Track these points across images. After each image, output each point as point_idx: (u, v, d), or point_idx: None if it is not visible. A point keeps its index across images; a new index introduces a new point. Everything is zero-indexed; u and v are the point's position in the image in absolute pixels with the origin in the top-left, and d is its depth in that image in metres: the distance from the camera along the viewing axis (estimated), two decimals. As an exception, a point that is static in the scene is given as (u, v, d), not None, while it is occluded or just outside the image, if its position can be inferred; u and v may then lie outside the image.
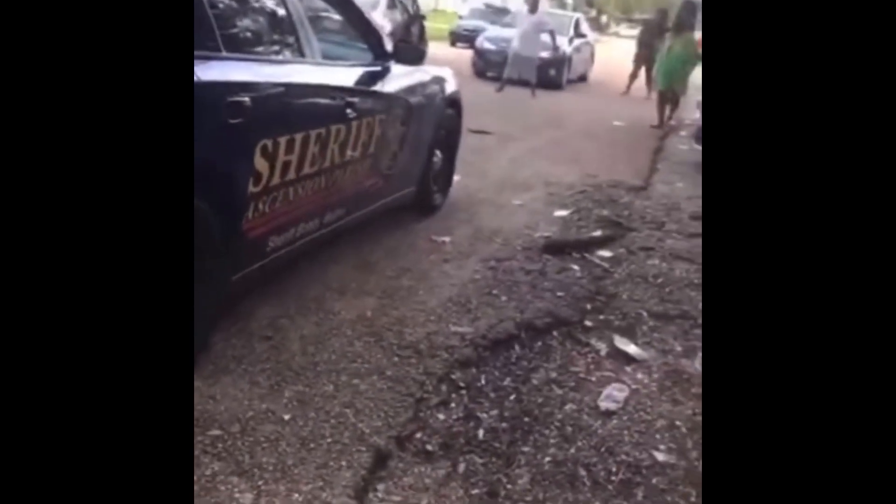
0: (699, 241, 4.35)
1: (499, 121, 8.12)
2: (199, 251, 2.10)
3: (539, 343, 2.94)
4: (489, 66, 12.07)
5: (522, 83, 11.19)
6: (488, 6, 22.00)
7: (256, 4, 2.86)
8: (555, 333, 3.03)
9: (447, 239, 4.03)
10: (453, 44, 19.21)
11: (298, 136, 2.70)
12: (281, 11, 2.87)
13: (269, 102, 2.52)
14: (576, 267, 3.78)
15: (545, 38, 10.99)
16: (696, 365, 2.84)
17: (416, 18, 14.15)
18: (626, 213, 4.90)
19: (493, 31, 13.31)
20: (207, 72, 2.23)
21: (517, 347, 2.87)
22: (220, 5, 2.51)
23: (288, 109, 2.71)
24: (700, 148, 7.10)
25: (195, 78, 2.08)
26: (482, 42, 12.69)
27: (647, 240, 4.31)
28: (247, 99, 2.34)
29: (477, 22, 18.53)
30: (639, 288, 3.57)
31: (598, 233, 4.34)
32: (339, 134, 3.01)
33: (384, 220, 3.99)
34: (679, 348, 2.98)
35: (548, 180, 5.72)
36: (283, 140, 2.60)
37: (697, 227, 4.66)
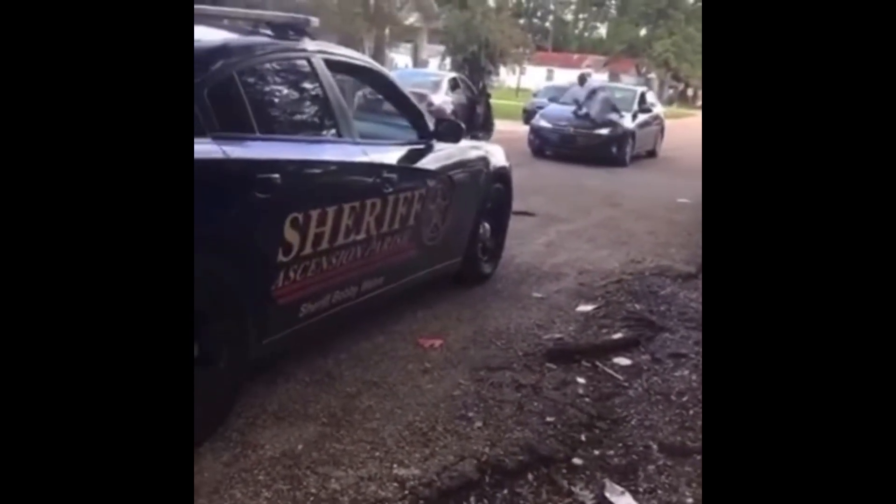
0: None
1: (548, 201, 7.59)
2: (226, 314, 2.39)
3: (504, 491, 2.30)
4: (546, 145, 11.59)
5: (583, 160, 10.71)
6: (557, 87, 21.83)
7: (293, 89, 3.06)
8: (529, 476, 2.39)
9: (437, 342, 3.46)
10: (527, 121, 19.05)
11: (331, 210, 2.84)
12: (318, 94, 3.03)
13: (299, 178, 2.73)
14: (581, 380, 3.13)
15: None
16: (709, 529, 2.13)
17: (482, 98, 14.00)
18: (664, 307, 4.21)
19: (549, 108, 12.87)
20: (238, 151, 2.44)
21: (472, 500, 2.24)
22: (256, 89, 2.73)
23: (319, 185, 2.90)
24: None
25: (226, 156, 2.34)
26: (538, 120, 12.22)
27: (680, 343, 3.61)
28: (276, 175, 2.52)
29: (546, 100, 18.33)
30: (655, 410, 2.88)
31: (619, 334, 3.66)
32: (375, 207, 3.14)
33: (369, 317, 3.48)
34: (690, 500, 2.28)
35: (583, 267, 5.09)
36: (314, 213, 2.74)
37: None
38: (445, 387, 2.98)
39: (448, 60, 30.21)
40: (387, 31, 22.96)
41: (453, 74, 14.93)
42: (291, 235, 2.64)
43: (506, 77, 38.73)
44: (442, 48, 31.08)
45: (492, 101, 15.25)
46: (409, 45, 28.37)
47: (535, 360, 3.32)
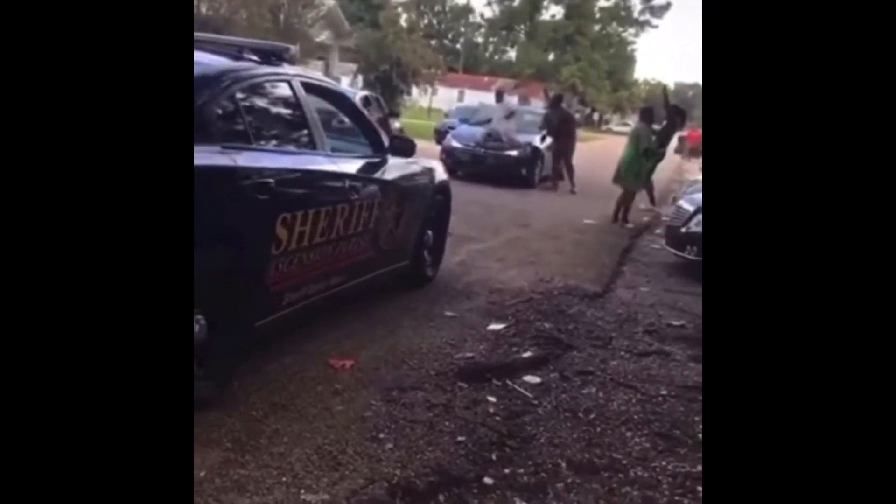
0: (648, 360, 3.73)
1: (460, 221, 7.57)
2: (232, 299, 2.82)
3: (415, 514, 2.27)
4: (457, 165, 11.69)
5: (493, 180, 10.87)
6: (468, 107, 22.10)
7: (278, 106, 3.45)
8: (440, 498, 2.36)
9: (348, 363, 3.40)
10: (438, 141, 19.17)
11: (311, 212, 3.26)
12: (299, 112, 3.49)
13: (288, 183, 3.14)
14: (492, 399, 3.14)
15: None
16: (616, 545, 2.17)
17: (384, 118, 14.09)
18: (572, 326, 4.29)
19: (461, 129, 13.01)
20: (243, 159, 2.85)
21: (382, 523, 2.20)
22: (251, 106, 3.12)
23: (302, 190, 3.30)
24: (672, 250, 6.57)
25: (234, 163, 2.77)
26: (449, 140, 12.34)
27: (587, 361, 3.68)
28: (271, 180, 2.94)
29: (457, 120, 18.53)
30: (564, 427, 2.92)
31: (529, 353, 3.71)
32: (344, 212, 3.58)
33: (278, 337, 3.39)
34: (598, 517, 2.31)
35: (493, 286, 5.13)
36: (299, 213, 3.17)
37: (650, 343, 4.04)
38: (356, 408, 2.93)
39: (360, 78, 30.15)
40: (297, 47, 22.71)
41: (366, 93, 14.87)
42: (282, 232, 3.06)
43: (418, 97, 38.99)
44: (354, 66, 31.00)
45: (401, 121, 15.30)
46: (320, 63, 28.14)
47: (446, 379, 3.31)
